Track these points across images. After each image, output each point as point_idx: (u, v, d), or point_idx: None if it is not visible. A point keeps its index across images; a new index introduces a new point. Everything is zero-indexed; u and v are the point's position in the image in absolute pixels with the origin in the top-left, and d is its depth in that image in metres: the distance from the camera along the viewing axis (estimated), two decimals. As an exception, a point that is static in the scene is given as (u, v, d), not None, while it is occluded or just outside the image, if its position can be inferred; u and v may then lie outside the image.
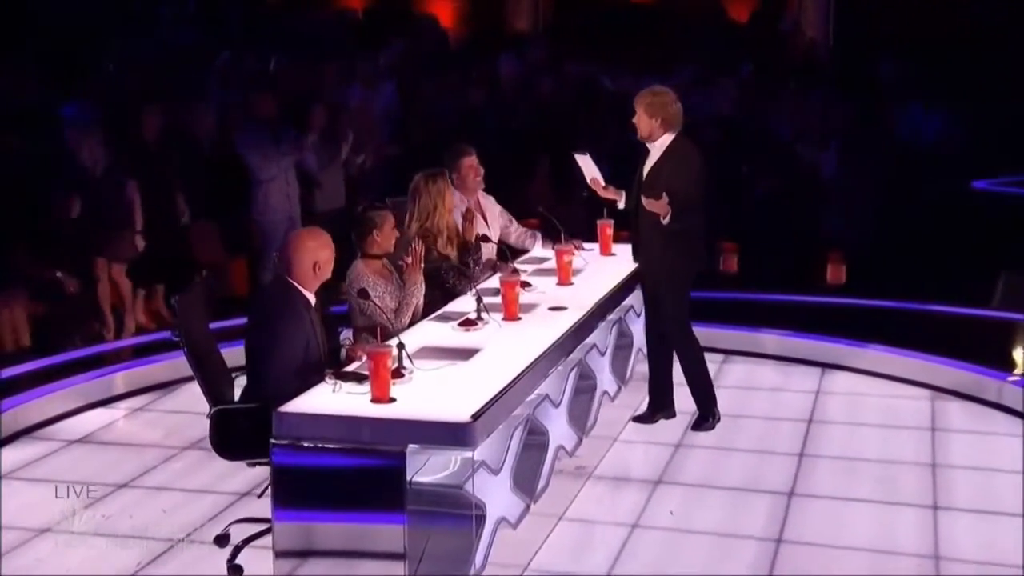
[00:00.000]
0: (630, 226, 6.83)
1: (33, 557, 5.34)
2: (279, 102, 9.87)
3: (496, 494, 4.98)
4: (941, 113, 12.37)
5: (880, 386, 7.69)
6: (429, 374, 5.06)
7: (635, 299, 7.23)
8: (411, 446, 4.55)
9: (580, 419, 6.17)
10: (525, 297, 6.31)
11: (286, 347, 5.06)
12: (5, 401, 6.96)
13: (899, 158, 11.75)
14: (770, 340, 8.38)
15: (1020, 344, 8.43)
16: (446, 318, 5.98)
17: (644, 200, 6.48)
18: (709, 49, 15.41)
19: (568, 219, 8.07)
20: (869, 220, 11.07)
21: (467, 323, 5.83)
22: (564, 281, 6.71)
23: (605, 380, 6.71)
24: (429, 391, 4.89)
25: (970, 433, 6.84)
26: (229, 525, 5.35)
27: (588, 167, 7.00)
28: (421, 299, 6.04)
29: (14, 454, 6.51)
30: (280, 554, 4.69)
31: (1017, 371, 7.59)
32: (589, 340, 6.33)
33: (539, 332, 5.75)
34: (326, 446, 4.60)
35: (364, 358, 5.01)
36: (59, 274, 8.13)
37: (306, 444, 4.61)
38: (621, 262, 7.15)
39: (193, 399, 5.57)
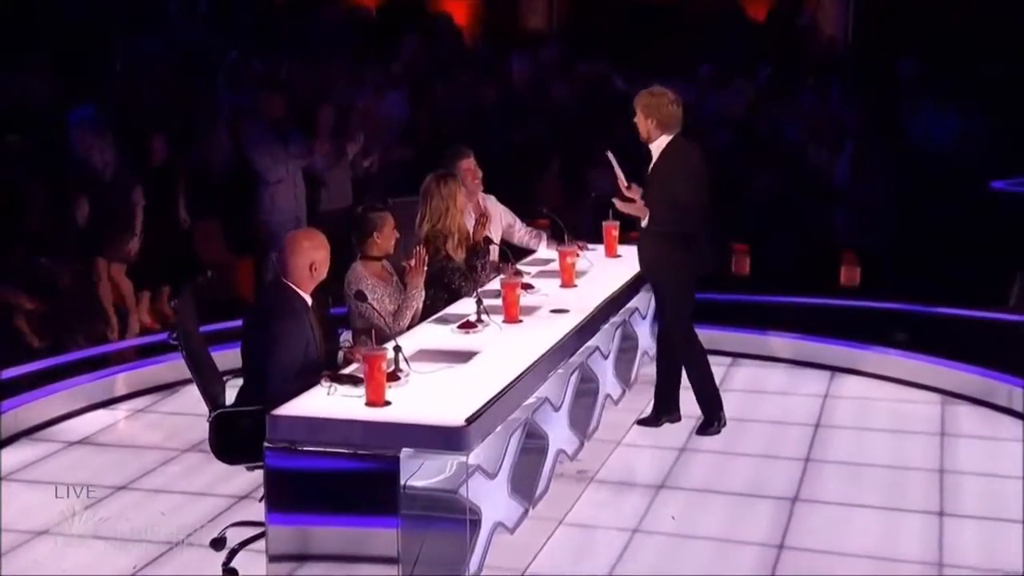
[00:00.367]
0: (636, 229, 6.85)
1: (30, 559, 5.38)
2: (288, 103, 9.92)
3: (492, 499, 4.99)
4: (960, 112, 12.32)
5: (890, 390, 7.67)
6: (426, 377, 5.09)
7: (640, 301, 7.24)
8: (405, 450, 4.58)
9: (581, 423, 6.18)
10: (527, 299, 6.34)
11: (284, 349, 5.09)
12: (7, 402, 7.01)
13: (916, 158, 11.73)
14: (779, 343, 8.37)
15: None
16: (446, 320, 6.00)
17: (618, 203, 6.52)
18: (726, 48, 15.39)
19: (578, 220, 8.13)
20: (885, 221, 11.05)
21: (467, 325, 5.85)
22: (567, 283, 6.73)
23: (608, 383, 6.72)
24: (425, 394, 4.92)
25: (980, 438, 6.83)
26: (226, 528, 5.38)
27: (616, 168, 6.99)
28: (421, 303, 6.07)
29: (14, 455, 6.57)
30: (274, 558, 4.72)
31: None
32: (591, 343, 6.34)
33: (539, 335, 5.76)
34: (320, 449, 4.63)
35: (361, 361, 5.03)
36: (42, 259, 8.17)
37: (300, 447, 4.64)
38: (626, 264, 7.17)
39: (194, 401, 5.59)
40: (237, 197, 9.50)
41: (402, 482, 4.58)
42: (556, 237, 7.35)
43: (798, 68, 15.05)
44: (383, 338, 5.24)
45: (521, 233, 7.47)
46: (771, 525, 5.69)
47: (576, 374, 6.04)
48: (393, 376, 4.98)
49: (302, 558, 4.70)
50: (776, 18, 17.14)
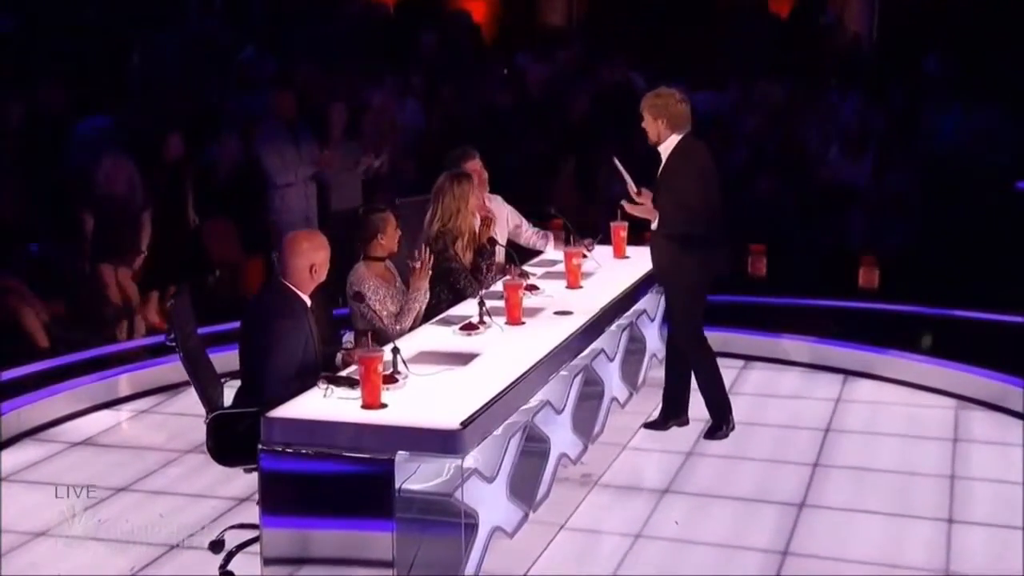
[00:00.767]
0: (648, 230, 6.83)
1: (28, 561, 5.44)
2: (299, 102, 9.98)
3: (490, 502, 5.01)
4: (986, 111, 12.27)
5: (903, 395, 7.66)
6: (423, 379, 5.11)
7: (649, 303, 7.24)
8: (400, 453, 4.60)
9: (585, 426, 6.19)
10: (531, 301, 6.36)
11: (282, 351, 5.12)
12: (11, 402, 7.08)
13: (939, 158, 11.69)
14: (793, 346, 8.36)
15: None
16: (448, 322, 6.03)
17: (627, 206, 6.53)
18: (749, 45, 15.38)
19: (592, 220, 8.12)
20: (907, 222, 11.01)
21: (468, 327, 5.87)
22: (573, 285, 6.74)
23: (614, 386, 6.72)
24: (422, 397, 4.94)
25: (993, 444, 6.80)
26: (224, 531, 5.43)
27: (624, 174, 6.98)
28: (424, 304, 6.10)
29: (17, 456, 6.64)
30: (269, 561, 4.75)
31: None
32: (596, 345, 6.35)
33: (541, 337, 5.78)
34: (315, 452, 4.66)
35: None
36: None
37: (295, 450, 4.67)
38: (635, 265, 7.18)
39: (198, 402, 5.63)
40: (247, 197, 9.55)
41: (397, 485, 4.60)
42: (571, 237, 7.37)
43: (821, 65, 15.03)
44: (383, 339, 5.27)
45: (528, 234, 7.48)
46: (776, 530, 5.69)
47: (580, 377, 6.04)
48: (391, 378, 5.01)
49: (297, 561, 4.73)
50: (800, 15, 17.10)
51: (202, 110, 10.97)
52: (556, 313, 6.22)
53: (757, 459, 6.58)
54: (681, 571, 5.33)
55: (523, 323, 6.01)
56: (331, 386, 4.95)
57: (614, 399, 6.72)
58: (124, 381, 7.58)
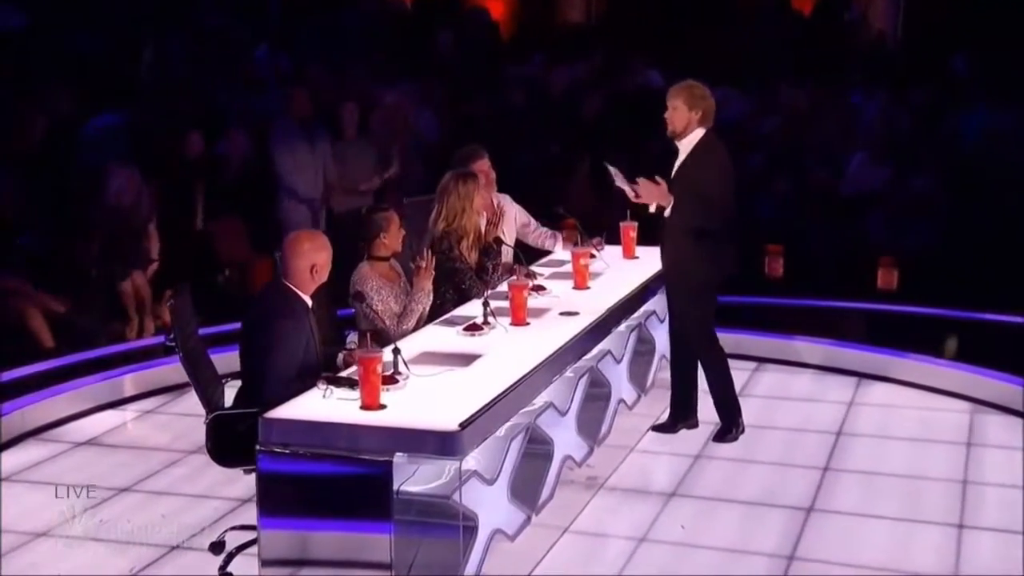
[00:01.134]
0: (660, 229, 6.82)
1: (27, 561, 5.49)
2: (314, 101, 10.04)
3: (490, 505, 5.03)
4: (1014, 111, 12.22)
5: (918, 398, 7.65)
6: (424, 380, 5.13)
7: (658, 304, 7.25)
8: (398, 455, 4.63)
9: (591, 428, 6.21)
10: (537, 301, 6.38)
11: (282, 351, 5.15)
12: (16, 401, 7.15)
13: (965, 158, 11.65)
14: (806, 348, 8.36)
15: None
16: (452, 322, 6.06)
17: (640, 189, 6.50)
18: (771, 43, 15.35)
19: (606, 220, 8.14)
20: (929, 223, 10.98)
21: (472, 328, 5.89)
22: (580, 285, 6.75)
23: (622, 388, 6.74)
24: (422, 398, 4.96)
25: (1007, 448, 6.79)
26: (224, 532, 5.47)
27: (619, 177, 6.99)
28: (428, 305, 6.13)
29: (19, 456, 6.70)
30: (266, 562, 4.78)
31: None
32: (602, 346, 6.36)
33: (545, 338, 5.79)
34: (313, 453, 4.69)
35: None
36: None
37: (293, 451, 4.70)
38: (644, 265, 7.19)
39: (201, 403, 5.70)
40: (256, 196, 9.61)
41: (395, 487, 4.62)
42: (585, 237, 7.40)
43: (845, 65, 14.99)
44: (386, 340, 5.30)
45: (536, 234, 7.50)
46: (783, 535, 5.70)
47: (585, 378, 6.06)
48: (391, 379, 5.04)
49: (295, 563, 4.76)
50: (823, 12, 17.06)
51: (213, 108, 11.05)
52: (562, 314, 6.23)
53: (766, 462, 6.59)
54: (684, 575, 5.34)
55: (528, 324, 6.02)
56: (331, 387, 4.98)
57: (621, 401, 6.73)
58: (129, 381, 7.65)
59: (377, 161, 10.22)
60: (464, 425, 4.63)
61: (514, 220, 7.36)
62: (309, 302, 5.33)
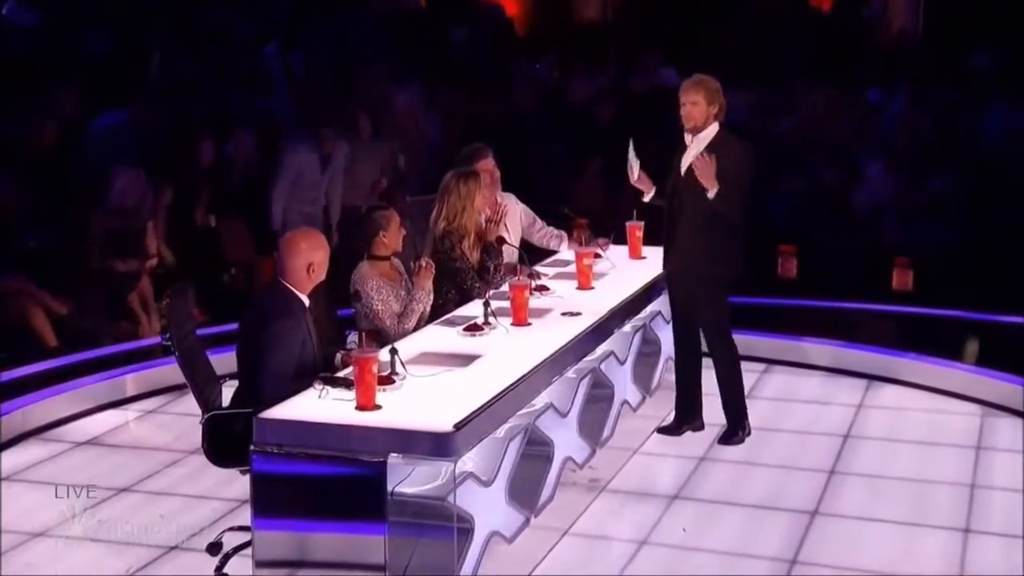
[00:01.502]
0: (664, 227, 6.82)
1: (24, 561, 5.53)
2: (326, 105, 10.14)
3: (487, 507, 5.05)
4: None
5: (928, 400, 7.64)
6: (422, 380, 5.16)
7: (663, 305, 7.25)
8: (392, 455, 4.66)
9: (593, 430, 6.23)
10: (540, 302, 6.41)
11: (279, 351, 5.18)
12: (17, 401, 7.21)
13: (987, 157, 11.63)
14: (816, 350, 8.35)
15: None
16: (452, 322, 6.08)
17: (696, 164, 6.44)
18: (788, 41, 15.32)
19: (612, 219, 8.16)
20: (947, 223, 10.96)
21: (472, 328, 5.92)
22: (584, 285, 6.77)
23: (625, 390, 6.76)
24: (418, 398, 4.99)
25: (1017, 452, 6.76)
26: (222, 533, 5.50)
27: (632, 157, 6.99)
28: (428, 305, 6.17)
29: (19, 456, 6.75)
30: (261, 563, 4.82)
31: None
32: (606, 347, 6.38)
33: (546, 338, 5.82)
34: (307, 454, 4.72)
35: (358, 364, 5.12)
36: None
37: (286, 451, 4.74)
38: (649, 265, 7.21)
39: (205, 402, 5.73)
40: (261, 196, 9.68)
41: (390, 488, 4.65)
42: (596, 237, 7.44)
43: (863, 63, 14.96)
44: (386, 340, 5.34)
45: (542, 233, 7.52)
46: (785, 538, 5.70)
47: (587, 379, 6.08)
48: (388, 379, 5.07)
49: (289, 564, 4.79)
50: (842, 9, 17.02)
51: (222, 109, 11.12)
52: (564, 314, 6.26)
53: (771, 465, 6.59)
54: (683, 578, 5.38)
55: (529, 324, 6.05)
56: (327, 387, 5.02)
57: (625, 402, 6.76)
58: (130, 381, 7.70)
59: (387, 163, 10.29)
60: (459, 426, 4.66)
61: (519, 219, 7.39)
62: (306, 301, 5.36)
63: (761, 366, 8.25)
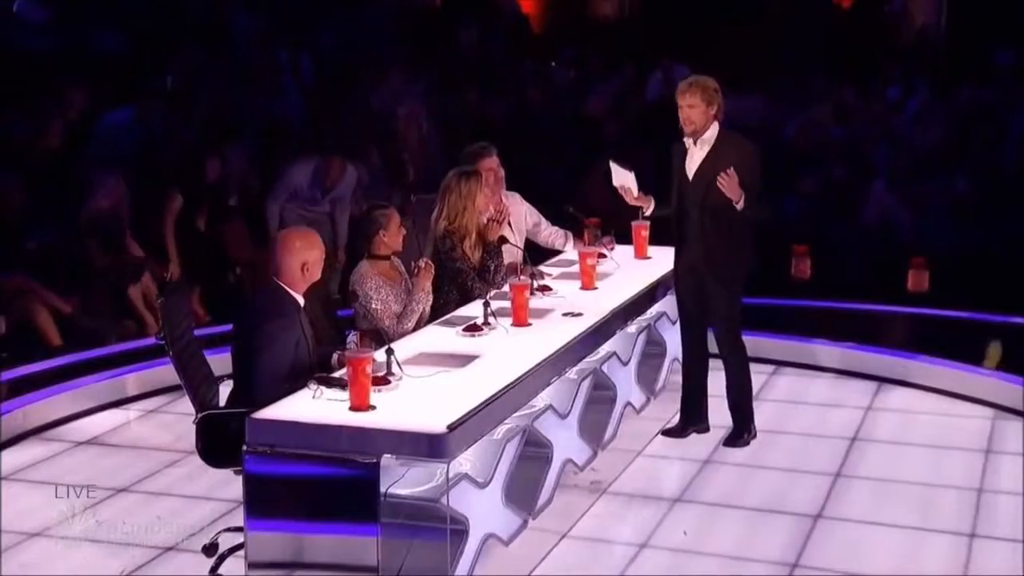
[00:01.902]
0: (674, 230, 6.81)
1: (20, 562, 5.57)
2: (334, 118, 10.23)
3: (483, 508, 5.07)
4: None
5: (939, 403, 7.63)
6: (418, 381, 5.19)
7: (669, 305, 7.27)
8: (386, 457, 4.68)
9: (594, 432, 6.25)
10: (541, 302, 6.42)
11: (273, 350, 5.22)
12: (18, 400, 7.27)
13: (1010, 155, 11.60)
14: (826, 351, 8.35)
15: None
16: (452, 323, 6.11)
17: (722, 182, 6.43)
18: (807, 39, 15.30)
19: (619, 219, 8.17)
20: (965, 223, 10.94)
21: (472, 328, 5.94)
22: (587, 286, 6.78)
23: (629, 391, 6.77)
24: (413, 399, 5.01)
25: (1027, 456, 6.77)
26: (218, 534, 5.52)
27: (620, 175, 7.02)
28: (428, 306, 6.20)
29: (19, 455, 6.80)
30: (253, 565, 4.85)
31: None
32: (607, 348, 6.40)
33: (545, 339, 5.83)
34: (299, 454, 4.74)
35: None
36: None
37: (279, 451, 4.77)
38: (655, 266, 7.23)
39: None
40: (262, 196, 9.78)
41: (383, 489, 4.68)
42: (607, 236, 7.47)
43: (884, 60, 14.93)
44: (385, 340, 5.37)
45: (547, 233, 7.54)
46: (787, 543, 5.70)
47: (588, 381, 6.10)
48: (383, 380, 5.10)
49: (282, 565, 4.82)
50: (863, 5, 16.98)
51: (230, 110, 11.22)
52: (565, 315, 6.27)
53: (776, 468, 6.60)
54: (684, 582, 5.39)
55: (529, 325, 6.07)
56: (321, 387, 5.04)
57: (628, 404, 6.77)
58: (132, 380, 7.74)
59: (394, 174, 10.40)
60: (452, 427, 4.68)
61: (524, 219, 7.41)
62: (301, 301, 5.39)
63: (770, 368, 8.26)
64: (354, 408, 4.84)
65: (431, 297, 6.21)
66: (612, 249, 7.33)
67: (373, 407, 4.86)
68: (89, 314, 8.74)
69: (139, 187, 9.35)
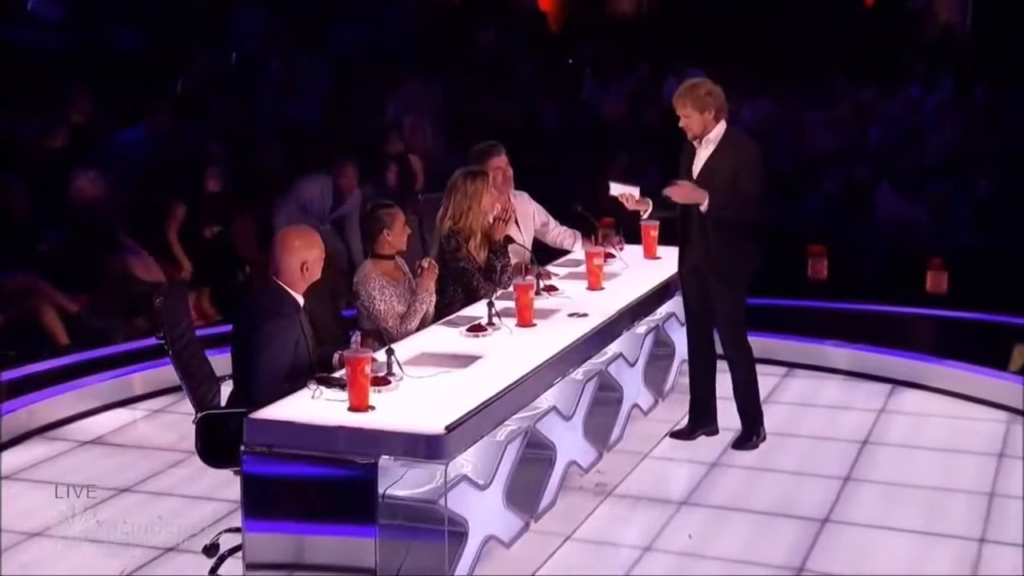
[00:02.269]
0: (679, 229, 6.83)
1: (17, 563, 5.62)
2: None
3: (483, 510, 5.09)
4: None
5: (952, 406, 7.60)
6: (418, 381, 5.21)
7: (677, 306, 7.26)
8: (384, 458, 4.70)
9: (600, 433, 6.26)
10: (547, 302, 6.44)
11: (273, 350, 5.24)
12: (24, 399, 7.32)
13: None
14: (839, 353, 8.33)
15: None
16: (455, 323, 6.12)
17: (674, 192, 6.52)
18: (827, 37, 15.29)
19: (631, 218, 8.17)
20: (990, 225, 10.90)
21: (476, 328, 5.96)
22: (593, 286, 6.79)
23: (636, 393, 6.78)
24: (413, 400, 5.03)
25: (1041, 461, 6.75)
26: (219, 534, 5.56)
27: (617, 188, 7.02)
28: (432, 306, 6.22)
29: (22, 454, 6.85)
30: (251, 566, 4.88)
31: None
32: (613, 349, 6.41)
33: (549, 340, 5.84)
34: (297, 455, 4.77)
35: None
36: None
37: (276, 452, 4.79)
38: (664, 266, 7.23)
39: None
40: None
41: (381, 490, 4.70)
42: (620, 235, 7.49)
43: (906, 58, 14.91)
44: (388, 340, 5.39)
45: (555, 232, 7.55)
46: (793, 547, 5.70)
47: (594, 382, 6.11)
48: (383, 380, 5.12)
49: (280, 567, 4.85)
50: (886, 1, 16.94)
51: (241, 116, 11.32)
52: (570, 315, 6.28)
53: (785, 471, 6.59)
54: (687, 585, 5.39)
55: (534, 325, 6.08)
56: (321, 387, 5.07)
57: (635, 406, 6.78)
58: (138, 380, 7.79)
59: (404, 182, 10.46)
60: (450, 428, 4.69)
61: (532, 218, 7.42)
62: (301, 300, 5.41)
63: (782, 370, 8.25)
64: (353, 409, 4.87)
65: (435, 297, 6.23)
66: (621, 249, 7.35)
67: (372, 408, 4.88)
68: (97, 313, 8.80)
69: (143, 196, 9.47)
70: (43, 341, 8.37)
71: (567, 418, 5.84)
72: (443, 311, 6.41)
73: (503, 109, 12.30)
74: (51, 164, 9.28)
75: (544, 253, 7.36)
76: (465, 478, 4.97)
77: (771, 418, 7.02)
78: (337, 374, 5.32)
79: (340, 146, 10.55)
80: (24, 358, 8.02)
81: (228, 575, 5.31)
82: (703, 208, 6.55)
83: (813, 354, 8.40)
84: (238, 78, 12.43)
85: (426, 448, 4.68)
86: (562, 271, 7.20)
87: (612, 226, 7.80)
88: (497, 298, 6.18)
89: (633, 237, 7.60)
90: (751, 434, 6.86)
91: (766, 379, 7.16)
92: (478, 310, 6.25)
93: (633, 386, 6.73)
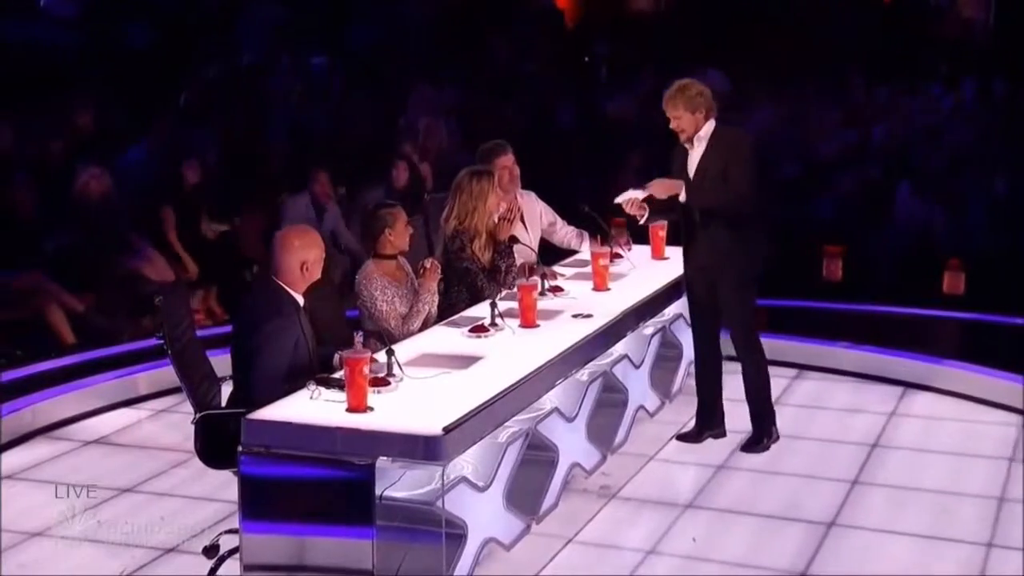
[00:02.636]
0: (682, 229, 6.84)
1: (16, 563, 5.66)
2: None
3: (482, 512, 5.11)
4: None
5: (964, 409, 7.59)
6: (418, 382, 5.23)
7: (685, 307, 7.26)
8: (382, 459, 4.72)
9: (604, 435, 6.27)
10: (552, 303, 6.45)
11: (272, 350, 5.27)
12: (27, 398, 7.38)
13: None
14: (851, 355, 8.32)
15: None
16: (458, 324, 6.14)
17: (654, 188, 6.56)
18: (843, 36, 15.26)
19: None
20: (1008, 225, 10.88)
21: (478, 329, 5.98)
22: (599, 286, 6.80)
23: (642, 395, 6.78)
24: (412, 401, 5.05)
25: (1052, 465, 6.73)
26: (219, 535, 5.57)
27: (623, 196, 7.03)
28: (434, 307, 6.24)
29: (25, 454, 6.91)
30: (249, 567, 4.90)
31: None
32: (618, 350, 6.42)
33: (552, 341, 5.86)
34: (295, 456, 4.80)
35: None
36: None
37: (274, 453, 4.82)
38: (671, 266, 7.23)
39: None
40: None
41: (378, 492, 4.72)
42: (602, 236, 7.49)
43: (927, 56, 14.87)
44: (390, 341, 5.41)
45: (563, 232, 7.57)
46: (798, 551, 5.70)
47: (598, 383, 6.12)
48: (382, 381, 5.15)
49: (278, 568, 4.87)
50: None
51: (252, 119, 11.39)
52: (574, 316, 6.29)
53: (793, 474, 6.59)
54: (688, 589, 5.40)
55: (537, 326, 6.09)
56: (320, 388, 5.09)
57: (641, 408, 6.78)
58: (142, 379, 7.83)
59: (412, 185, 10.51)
60: (449, 429, 4.71)
61: (539, 218, 7.43)
62: (300, 300, 5.44)
63: (793, 371, 8.24)
64: (351, 409, 4.89)
65: (437, 298, 6.25)
66: (629, 249, 7.35)
67: (370, 408, 4.90)
68: (104, 313, 8.86)
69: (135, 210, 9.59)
70: (49, 340, 8.42)
71: (570, 420, 5.86)
72: (447, 312, 6.44)
73: (517, 107, 12.32)
74: (57, 163, 9.35)
75: (551, 253, 7.37)
76: (464, 480, 4.99)
77: (781, 420, 7.02)
78: (336, 375, 5.36)
79: (351, 149, 10.61)
80: (30, 357, 8.07)
81: (229, 574, 5.33)
82: (681, 198, 6.57)
83: (824, 356, 8.39)
84: (247, 78, 12.48)
85: (424, 449, 4.70)
86: (568, 271, 7.21)
87: (623, 226, 7.80)
88: (501, 299, 6.20)
89: (641, 238, 7.59)
90: (761, 437, 6.86)
91: (777, 381, 7.16)
92: (481, 311, 6.27)
93: (639, 388, 6.73)
